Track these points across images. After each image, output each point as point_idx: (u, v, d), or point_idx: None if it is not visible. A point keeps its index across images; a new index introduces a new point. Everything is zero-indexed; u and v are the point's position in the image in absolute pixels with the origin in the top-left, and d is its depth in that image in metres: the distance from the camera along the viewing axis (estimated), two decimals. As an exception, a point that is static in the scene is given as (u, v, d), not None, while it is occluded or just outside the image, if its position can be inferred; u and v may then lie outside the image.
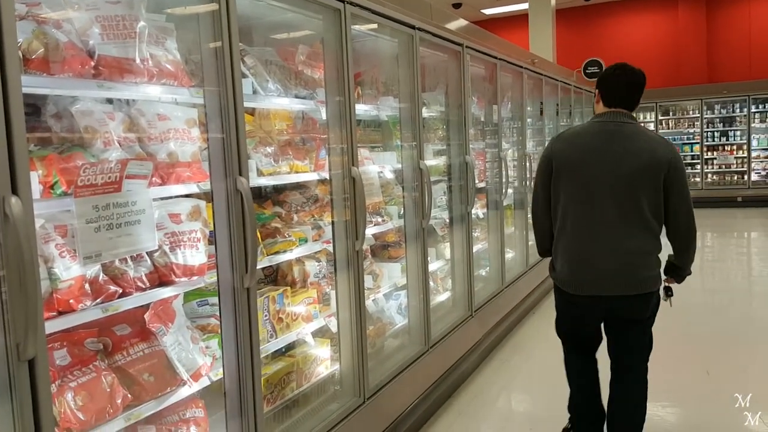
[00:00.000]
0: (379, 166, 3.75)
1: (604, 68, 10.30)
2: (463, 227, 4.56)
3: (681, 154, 13.38)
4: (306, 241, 3.05)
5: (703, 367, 4.34)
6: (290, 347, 2.96)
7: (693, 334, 5.14)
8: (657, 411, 3.69)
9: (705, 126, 13.87)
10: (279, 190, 3.31)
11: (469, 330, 4.38)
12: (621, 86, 2.87)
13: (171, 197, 2.26)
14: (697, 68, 14.13)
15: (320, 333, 3.15)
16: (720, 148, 13.94)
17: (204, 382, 2.25)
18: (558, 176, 2.88)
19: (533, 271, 6.21)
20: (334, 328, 3.07)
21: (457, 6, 13.43)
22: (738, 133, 13.79)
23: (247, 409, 2.20)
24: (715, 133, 13.97)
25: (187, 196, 2.35)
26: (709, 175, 13.79)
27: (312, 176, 3.08)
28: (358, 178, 2.94)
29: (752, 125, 13.58)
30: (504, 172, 5.36)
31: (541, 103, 6.81)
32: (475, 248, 5.20)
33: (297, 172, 2.98)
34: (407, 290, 3.84)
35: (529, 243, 6.41)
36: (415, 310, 3.80)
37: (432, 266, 4.48)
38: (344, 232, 2.97)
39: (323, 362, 3.06)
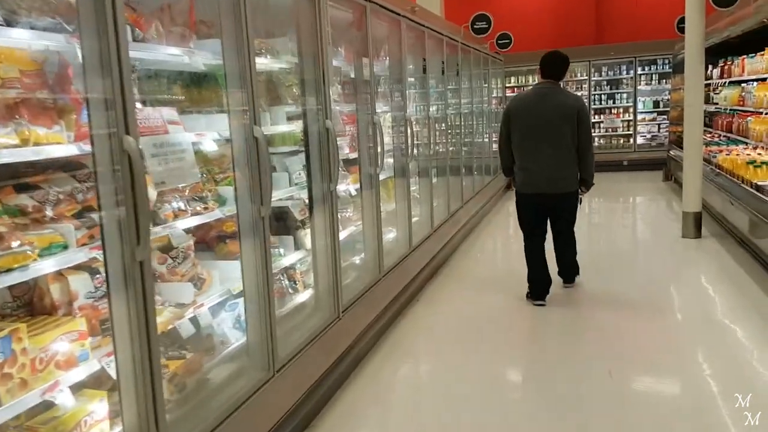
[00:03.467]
0: (195, 135, 2.77)
1: (492, 24, 9.75)
2: (325, 209, 3.68)
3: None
4: (66, 247, 2.05)
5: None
6: (32, 414, 1.97)
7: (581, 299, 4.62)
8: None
9: (593, 89, 13.73)
10: (34, 170, 2.26)
11: (333, 338, 3.54)
12: (549, 65, 4.79)
13: None
14: (586, 29, 13.92)
15: (95, 382, 2.17)
16: (607, 111, 13.88)
17: None
18: (513, 122, 4.79)
19: (419, 252, 5.47)
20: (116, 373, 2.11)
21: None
22: (625, 95, 13.77)
23: None
24: (603, 96, 13.87)
25: None
26: (596, 139, 13.70)
27: (69, 150, 2.06)
28: (134, 152, 1.96)
29: (638, 88, 13.58)
30: (379, 140, 4.51)
31: (424, 60, 6.00)
32: (346, 232, 4.36)
33: (38, 144, 1.95)
34: (245, 296, 2.92)
35: (413, 219, 5.66)
36: (254, 322, 2.89)
37: (288, 259, 3.59)
38: (118, 234, 2.00)
39: (95, 426, 2.10)
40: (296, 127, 3.69)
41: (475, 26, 9.01)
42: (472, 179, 8.74)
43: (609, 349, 4.02)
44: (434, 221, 6.22)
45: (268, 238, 2.87)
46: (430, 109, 6.43)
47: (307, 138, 3.63)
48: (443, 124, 7.14)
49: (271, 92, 3.69)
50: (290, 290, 3.56)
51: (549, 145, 4.62)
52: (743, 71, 7.97)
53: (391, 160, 5.44)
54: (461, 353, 4.12)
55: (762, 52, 7.15)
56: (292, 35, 3.64)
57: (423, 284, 5.54)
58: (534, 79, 14.24)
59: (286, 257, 3.54)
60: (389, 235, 5.34)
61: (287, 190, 3.72)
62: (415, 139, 5.82)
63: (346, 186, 4.50)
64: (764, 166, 6.41)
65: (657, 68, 13.47)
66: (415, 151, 6.10)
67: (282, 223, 3.79)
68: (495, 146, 11.62)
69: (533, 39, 13.34)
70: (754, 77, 7.40)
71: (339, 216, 4.39)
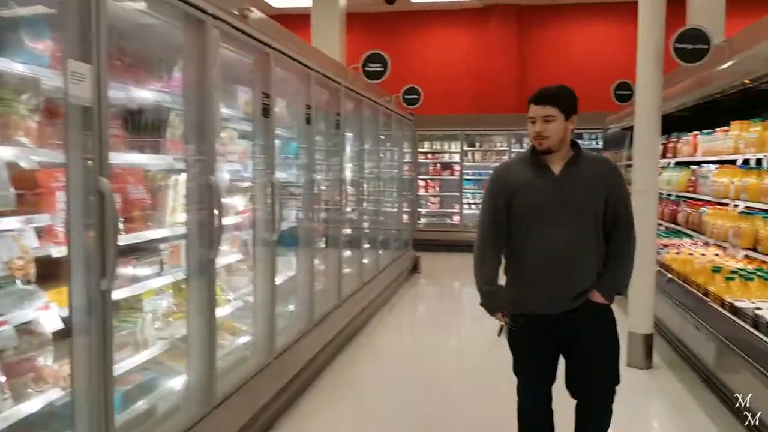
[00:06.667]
0: None
1: (389, 67, 7.94)
2: None
3: (480, 190, 11.79)
4: None
5: None
6: None
7: None
8: None
9: (513, 161, 12.20)
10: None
11: None
12: None
13: None
14: (507, 96, 12.51)
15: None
16: (528, 186, 12.33)
17: None
18: None
19: (233, 404, 3.24)
20: None
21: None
22: (547, 170, 12.27)
23: None
24: (523, 170, 12.34)
25: None
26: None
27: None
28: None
29: (561, 163, 12.12)
30: (110, 221, 2.33)
31: (266, 97, 3.92)
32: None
33: None
34: None
35: (241, 340, 3.46)
36: None
37: None
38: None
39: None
40: None
41: (367, 68, 7.06)
42: (358, 263, 6.66)
43: None
44: (276, 343, 4.04)
45: None
46: (292, 170, 4.38)
47: None
48: (308, 190, 5.08)
49: None
50: None
51: None
52: (695, 151, 6.41)
53: (184, 247, 3.26)
54: None
55: (726, 128, 5.57)
56: None
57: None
58: (450, 146, 12.68)
59: None
60: (171, 383, 3.11)
61: None
62: (226, 212, 3.70)
63: (34, 313, 2.27)
64: (737, 277, 4.68)
65: (583, 143, 12.10)
66: (249, 231, 4.00)
67: None
68: (406, 217, 9.75)
69: (446, 99, 11.76)
70: (713, 159, 5.80)
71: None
